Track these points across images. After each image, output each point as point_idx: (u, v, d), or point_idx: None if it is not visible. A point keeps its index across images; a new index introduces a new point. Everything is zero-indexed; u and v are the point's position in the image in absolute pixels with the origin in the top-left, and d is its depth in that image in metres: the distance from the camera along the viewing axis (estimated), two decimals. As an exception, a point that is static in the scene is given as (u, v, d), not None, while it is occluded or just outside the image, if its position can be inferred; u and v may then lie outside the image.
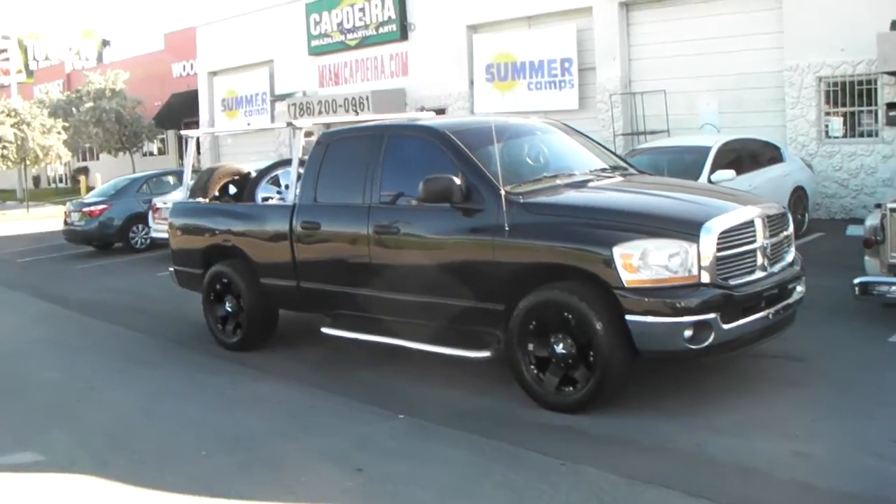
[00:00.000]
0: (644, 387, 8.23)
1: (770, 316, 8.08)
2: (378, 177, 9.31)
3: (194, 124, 40.35)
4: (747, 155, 16.00)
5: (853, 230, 16.90)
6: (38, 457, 7.66)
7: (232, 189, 12.50)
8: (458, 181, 8.32)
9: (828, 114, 20.06)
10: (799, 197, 16.62)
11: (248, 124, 29.81)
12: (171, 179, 24.58)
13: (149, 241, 22.67)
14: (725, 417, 7.57)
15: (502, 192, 8.13)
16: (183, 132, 13.15)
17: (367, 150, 9.54)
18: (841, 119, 19.98)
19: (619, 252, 7.47)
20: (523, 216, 8.09)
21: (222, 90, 36.45)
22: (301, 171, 10.34)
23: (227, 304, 11.04)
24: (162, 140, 52.12)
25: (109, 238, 23.26)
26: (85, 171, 52.89)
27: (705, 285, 7.53)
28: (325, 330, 9.94)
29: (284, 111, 30.87)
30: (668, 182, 10.43)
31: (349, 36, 29.92)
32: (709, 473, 6.50)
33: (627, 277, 7.45)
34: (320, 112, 28.40)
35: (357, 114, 25.75)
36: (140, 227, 22.94)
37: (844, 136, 19.93)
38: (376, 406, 8.49)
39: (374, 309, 9.42)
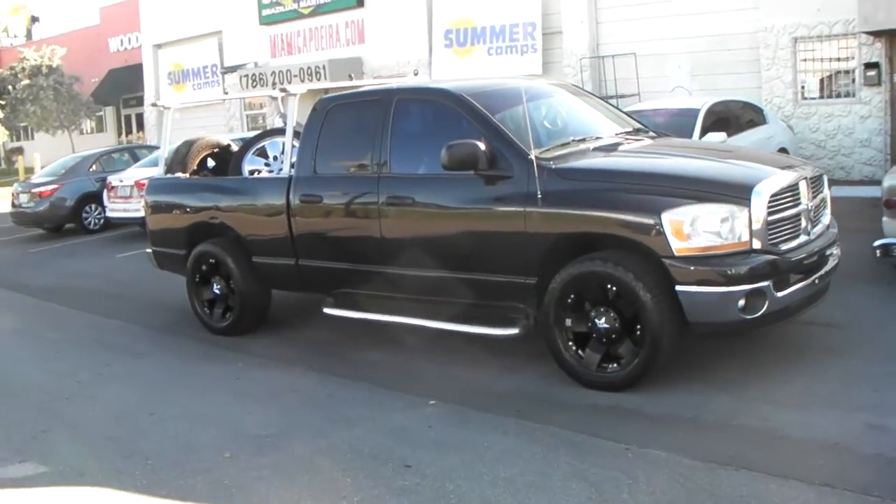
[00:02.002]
0: (684, 360, 7.74)
1: (816, 282, 7.70)
2: (387, 144, 8.70)
3: (135, 100, 39.45)
4: (732, 117, 15.58)
5: (835, 192, 16.70)
6: (40, 467, 6.89)
7: (210, 163, 11.82)
8: (483, 146, 7.76)
9: (804, 75, 19.71)
10: (783, 159, 16.27)
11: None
12: (124, 156, 23.83)
13: (103, 221, 21.88)
14: (781, 389, 7.15)
15: (533, 158, 7.60)
16: (158, 103, 12.42)
17: (373, 116, 8.92)
18: (817, 80, 19.68)
19: (668, 218, 6.99)
20: (557, 183, 7.56)
21: (168, 63, 35.49)
22: (295, 141, 9.72)
23: (215, 286, 10.41)
24: (100, 117, 50.85)
25: (61, 219, 22.45)
26: (20, 151, 51.49)
27: (756, 251, 7.10)
28: (327, 310, 9.35)
29: (236, 83, 30.12)
30: (700, 145, 9.98)
31: (302, 4, 29.08)
32: (788, 451, 6.06)
33: (677, 245, 6.98)
34: (274, 83, 27.63)
35: (318, 80, 25.09)
36: (93, 206, 22.15)
37: (821, 97, 19.67)
38: (399, 391, 7.94)
39: (385, 286, 8.85)
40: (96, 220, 22.20)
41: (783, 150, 16.17)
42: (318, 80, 26.28)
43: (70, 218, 22.29)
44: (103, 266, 16.94)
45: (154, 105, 12.85)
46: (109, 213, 20.72)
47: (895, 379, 7.23)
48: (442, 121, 8.47)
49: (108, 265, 17.00)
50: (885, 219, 10.03)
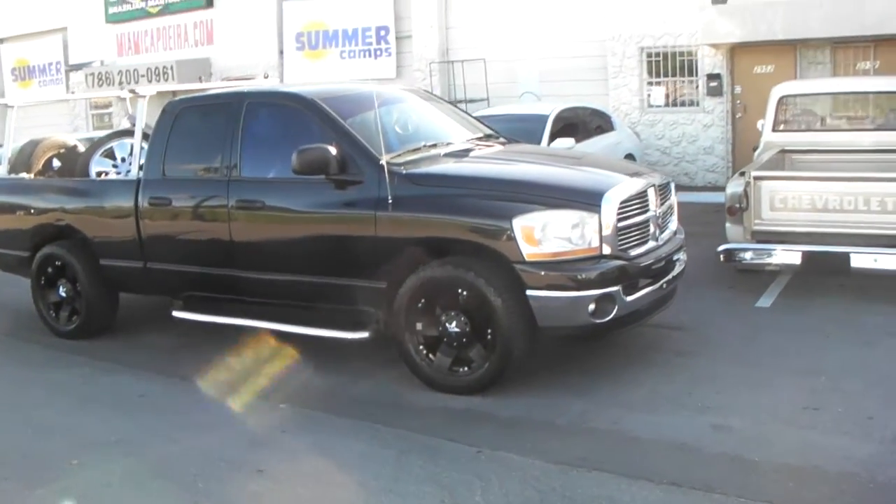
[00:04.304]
0: (536, 364, 7.83)
1: (664, 286, 7.92)
2: (238, 148, 8.61)
3: (-30, 95, 38.04)
4: (581, 123, 15.89)
5: (680, 197, 17.09)
6: None
7: (56, 163, 11.53)
8: (333, 151, 7.75)
9: (650, 83, 20.22)
10: (629, 165, 16.57)
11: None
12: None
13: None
14: (631, 393, 7.33)
15: (383, 163, 7.61)
16: (1, 101, 12.05)
17: (224, 119, 8.82)
18: (663, 89, 20.18)
19: (519, 224, 7.07)
20: (407, 188, 7.59)
21: (11, 59, 34.33)
22: (144, 143, 9.55)
23: (62, 289, 10.15)
24: (-65, 113, 48.93)
25: None
26: None
27: (606, 257, 7.25)
28: (176, 314, 9.23)
29: (81, 81, 29.36)
30: (551, 151, 10.15)
31: (150, 3, 28.39)
32: (638, 453, 6.19)
33: (528, 251, 7.08)
34: (121, 83, 27.02)
35: (166, 81, 24.66)
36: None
37: (666, 105, 20.19)
38: (250, 396, 7.81)
39: (234, 290, 8.78)
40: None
41: (630, 156, 16.58)
42: (167, 80, 25.81)
43: None
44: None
45: (-1, 103, 12.45)
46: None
47: (738, 380, 7.49)
48: (293, 125, 8.42)
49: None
50: (727, 224, 10.33)
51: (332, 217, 8.03)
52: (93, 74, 28.86)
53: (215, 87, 10.79)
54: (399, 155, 8.03)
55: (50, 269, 10.19)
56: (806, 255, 9.65)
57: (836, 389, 7.14)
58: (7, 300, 12.20)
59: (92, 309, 9.95)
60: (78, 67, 30.17)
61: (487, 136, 9.24)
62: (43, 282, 10.30)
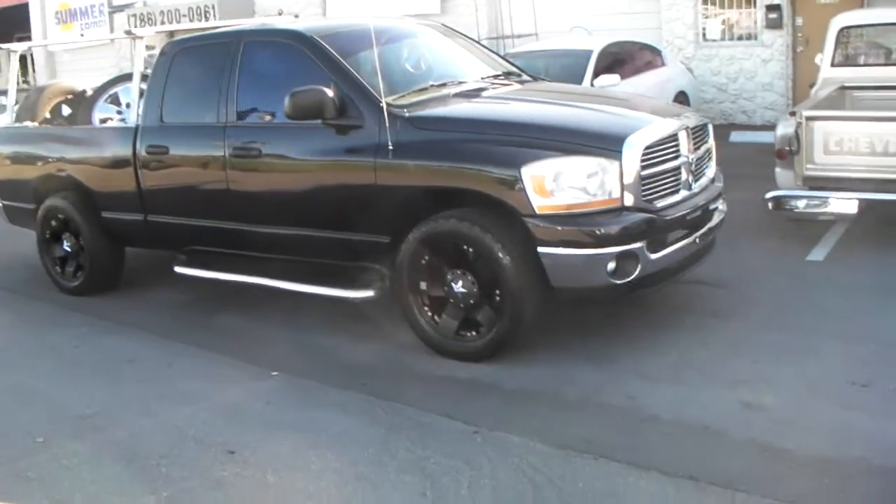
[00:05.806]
0: (555, 326, 7.12)
1: (697, 241, 7.13)
2: (234, 91, 7.99)
3: (27, 39, 37.87)
4: (629, 59, 15.03)
5: (736, 137, 16.33)
6: None
7: (66, 110, 11.01)
8: (330, 93, 7.06)
9: (705, 16, 19.24)
10: (681, 103, 15.67)
11: (82, 35, 27.79)
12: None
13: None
14: (655, 361, 6.56)
15: (384, 105, 6.89)
16: (3, 46, 11.51)
17: (220, 60, 8.19)
18: (719, 21, 19.19)
19: (528, 173, 6.32)
20: (410, 132, 6.88)
21: (55, 2, 34.02)
22: (143, 87, 8.94)
23: (66, 243, 9.68)
24: (-9, 57, 48.95)
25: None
26: None
27: (628, 209, 6.48)
28: (178, 269, 8.70)
29: (125, 23, 28.92)
30: (574, 90, 9.34)
31: (193, -60, 27.88)
32: (653, 436, 5.43)
33: (539, 203, 6.32)
34: (163, 23, 26.49)
35: (206, 20, 24.14)
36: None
37: (723, 39, 19.22)
38: (244, 361, 7.22)
39: (234, 244, 8.22)
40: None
41: (682, 94, 15.77)
42: (208, 20, 25.22)
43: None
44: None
45: (1, 49, 11.88)
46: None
47: (779, 347, 6.68)
48: (292, 65, 7.75)
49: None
50: (777, 169, 9.51)
51: (330, 165, 7.39)
52: (135, 15, 28.43)
53: (217, 27, 10.12)
54: (403, 96, 7.33)
55: (54, 223, 9.75)
56: (864, 203, 8.81)
57: (890, 362, 6.30)
58: (20, 254, 11.72)
59: (96, 264, 9.49)
60: (120, 9, 29.77)
61: (507, 74, 8.47)
62: (48, 235, 9.86)
